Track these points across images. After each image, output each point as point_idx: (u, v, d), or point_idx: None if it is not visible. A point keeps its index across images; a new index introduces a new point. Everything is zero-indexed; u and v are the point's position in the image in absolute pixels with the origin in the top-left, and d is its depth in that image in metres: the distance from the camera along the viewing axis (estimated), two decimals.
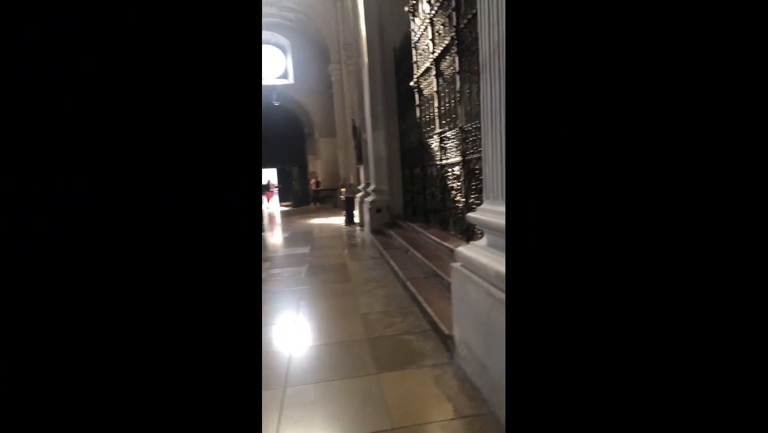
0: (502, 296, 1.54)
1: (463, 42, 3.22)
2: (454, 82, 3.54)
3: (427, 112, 4.62)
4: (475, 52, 3.00)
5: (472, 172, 3.31)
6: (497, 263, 1.63)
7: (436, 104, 4.15)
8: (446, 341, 2.32)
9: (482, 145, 1.90)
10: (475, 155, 3.17)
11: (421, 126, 4.87)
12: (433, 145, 4.36)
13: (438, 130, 4.10)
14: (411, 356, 2.29)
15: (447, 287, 2.98)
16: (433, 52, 4.06)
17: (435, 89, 4.14)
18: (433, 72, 4.12)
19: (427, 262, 3.60)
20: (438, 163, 4.19)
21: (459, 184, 3.61)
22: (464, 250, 2.01)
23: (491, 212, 1.81)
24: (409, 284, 3.33)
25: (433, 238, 4.08)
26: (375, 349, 2.41)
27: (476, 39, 3.07)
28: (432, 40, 4.05)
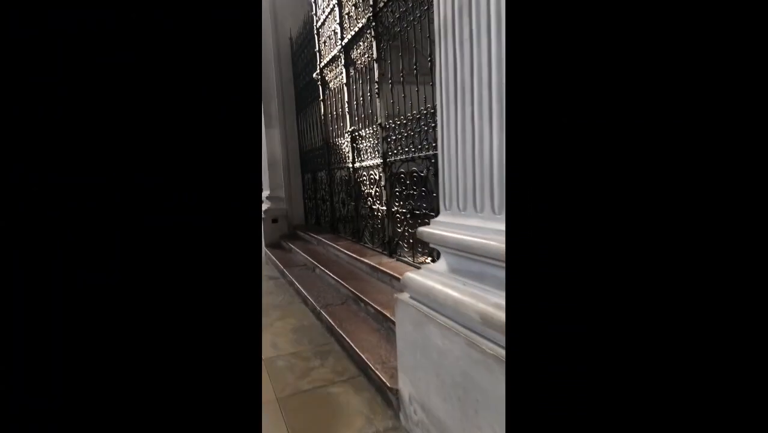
0: (496, 349, 1.07)
1: (383, 23, 2.76)
2: (370, 71, 3.06)
3: (334, 108, 4.06)
4: (399, 35, 2.56)
5: (395, 176, 2.85)
6: (479, 300, 1.16)
7: (346, 98, 3.62)
8: (385, 393, 1.79)
9: (439, 140, 1.42)
10: (399, 156, 2.72)
11: (327, 124, 4.29)
12: (343, 146, 3.81)
13: (349, 129, 3.57)
14: (342, 420, 1.70)
15: (373, 316, 2.45)
16: (342, 38, 3.52)
17: (344, 81, 3.60)
18: (342, 61, 3.59)
19: (342, 283, 3.02)
20: (350, 165, 3.66)
21: (378, 190, 3.13)
22: (418, 277, 1.50)
23: (454, 226, 1.34)
24: (323, 312, 2.71)
25: (346, 252, 3.52)
26: (291, 414, 1.76)
27: (400, 19, 2.64)
28: (340, 24, 3.52)
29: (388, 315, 2.24)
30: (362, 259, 3.15)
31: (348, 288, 2.88)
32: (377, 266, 2.88)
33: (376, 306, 2.41)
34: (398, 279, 2.62)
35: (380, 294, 2.58)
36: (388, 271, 2.72)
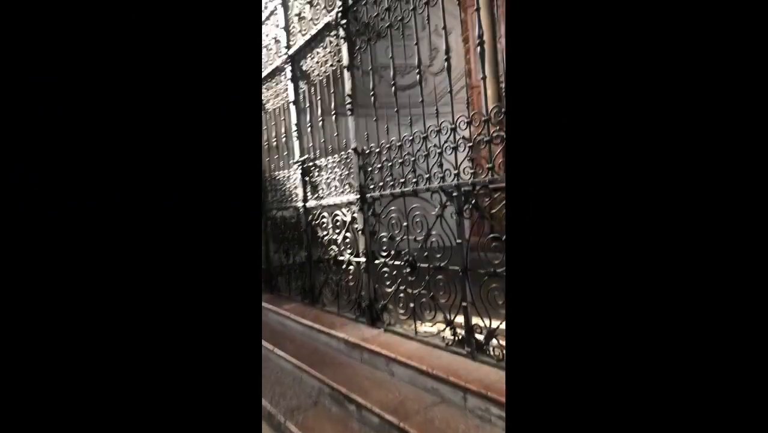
0: None
1: (359, 20, 2.13)
2: (335, 83, 2.37)
3: (272, 134, 3.24)
4: (389, 31, 1.95)
5: (379, 216, 2.14)
6: None
7: (293, 120, 2.85)
8: None
9: None
10: (389, 190, 2.03)
11: (263, 154, 3.42)
12: (288, 180, 2.98)
13: (299, 158, 2.78)
14: None
15: (379, 428, 1.63)
16: (287, 46, 2.80)
17: (290, 99, 2.85)
18: (288, 74, 2.85)
19: (306, 368, 2.14)
20: (299, 204, 2.84)
21: (350, 235, 2.37)
22: None
23: None
24: (291, 426, 1.79)
25: (299, 320, 2.63)
26: None
27: (389, 10, 2.04)
28: (286, 28, 2.81)
29: (411, 431, 1.45)
30: (330, 331, 2.30)
31: (319, 378, 2.01)
32: (360, 342, 2.07)
33: (381, 412, 1.60)
34: (401, 364, 1.85)
35: (379, 388, 1.77)
36: (379, 350, 1.93)
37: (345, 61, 2.23)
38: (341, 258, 2.47)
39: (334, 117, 2.40)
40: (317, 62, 2.54)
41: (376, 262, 2.17)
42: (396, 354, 1.85)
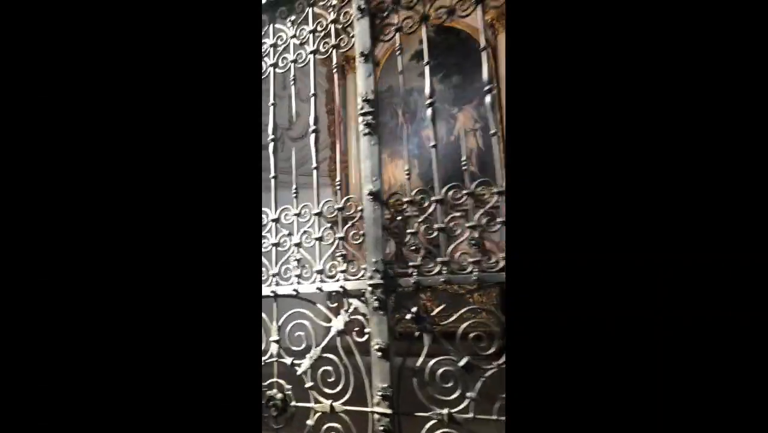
0: None
1: None
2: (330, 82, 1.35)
3: None
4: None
5: (426, 318, 1.13)
6: None
7: None
8: None
9: None
10: (473, 268, 1.08)
11: None
12: None
13: None
14: None
15: None
16: None
17: None
18: None
19: None
20: None
21: (335, 360, 1.19)
22: None
23: None
24: None
25: None
26: None
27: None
28: None
29: None
30: None
31: None
32: None
33: None
34: None
35: None
36: None
37: (363, 46, 1.29)
38: (300, 405, 1.22)
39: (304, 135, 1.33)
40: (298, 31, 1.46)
41: (422, 415, 1.08)
42: None
